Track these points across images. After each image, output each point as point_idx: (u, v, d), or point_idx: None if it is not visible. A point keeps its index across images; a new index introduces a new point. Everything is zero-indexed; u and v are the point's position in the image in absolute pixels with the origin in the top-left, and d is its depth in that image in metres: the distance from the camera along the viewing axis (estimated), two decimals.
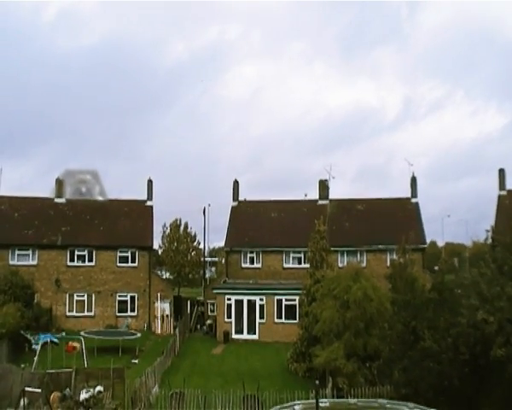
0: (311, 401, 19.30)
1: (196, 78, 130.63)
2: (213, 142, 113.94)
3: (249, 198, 46.92)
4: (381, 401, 19.81)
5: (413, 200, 43.26)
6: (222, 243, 45.18)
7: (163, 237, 54.48)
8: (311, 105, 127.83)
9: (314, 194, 44.91)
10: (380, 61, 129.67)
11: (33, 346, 30.60)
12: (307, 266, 31.40)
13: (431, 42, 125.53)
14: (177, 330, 35.63)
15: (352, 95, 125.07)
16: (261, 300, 37.59)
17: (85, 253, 41.40)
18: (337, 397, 21.00)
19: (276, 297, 37.36)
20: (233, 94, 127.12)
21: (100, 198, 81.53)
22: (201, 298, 46.00)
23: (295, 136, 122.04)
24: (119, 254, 41.68)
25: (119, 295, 41.36)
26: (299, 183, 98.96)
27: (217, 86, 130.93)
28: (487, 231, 23.84)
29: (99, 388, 21.05)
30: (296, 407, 19.61)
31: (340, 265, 37.13)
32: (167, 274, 55.85)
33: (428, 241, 42.74)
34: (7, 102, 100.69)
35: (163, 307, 41.08)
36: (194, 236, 54.57)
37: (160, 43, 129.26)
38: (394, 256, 29.44)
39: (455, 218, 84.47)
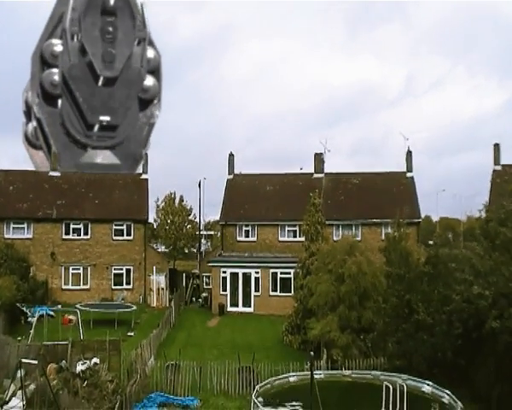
0: (305, 372, 19.56)
1: (202, 56, 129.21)
2: (215, 119, 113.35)
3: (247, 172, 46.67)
4: (374, 373, 20.10)
5: (408, 174, 43.25)
6: (217, 217, 45.16)
7: (157, 210, 54.42)
8: (315, 83, 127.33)
9: (311, 169, 44.76)
10: (383, 39, 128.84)
11: (29, 319, 30.60)
12: (302, 239, 31.42)
13: (434, 19, 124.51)
14: (172, 302, 35.67)
15: (355, 73, 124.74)
16: (256, 273, 37.73)
17: (80, 226, 41.33)
18: (331, 369, 21.23)
19: (271, 270, 37.50)
20: (237, 72, 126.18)
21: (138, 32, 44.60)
22: (197, 271, 46.13)
23: (297, 113, 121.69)
24: (114, 227, 41.63)
25: (115, 268, 41.42)
26: (299, 159, 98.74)
27: (221, 65, 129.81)
28: (480, 210, 23.97)
29: (95, 360, 21.12)
30: (291, 379, 19.89)
31: (335, 238, 37.26)
32: (162, 247, 55.89)
33: (424, 216, 42.88)
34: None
35: (158, 280, 41.16)
36: (190, 209, 54.54)
37: (167, 22, 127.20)
38: (389, 230, 29.50)
39: (451, 192, 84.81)
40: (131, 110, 48.78)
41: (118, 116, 46.09)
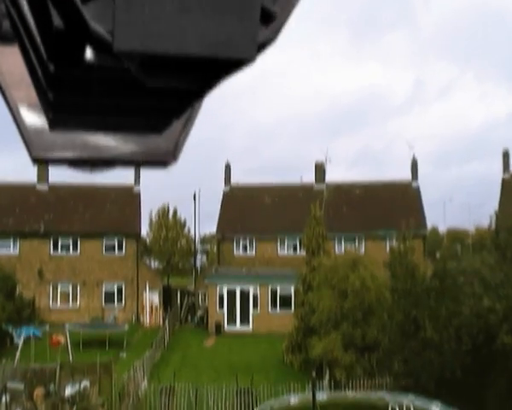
0: (307, 394, 18.98)
1: None
2: (213, 128, 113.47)
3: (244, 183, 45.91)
4: (380, 393, 19.57)
5: (414, 184, 42.64)
6: (214, 229, 44.40)
7: (150, 224, 53.74)
8: (318, 91, 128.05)
9: (312, 179, 44.11)
10: (390, 45, 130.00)
11: (15, 340, 30.23)
12: (303, 253, 31.12)
13: (443, 25, 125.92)
14: (166, 321, 35.30)
15: (360, 80, 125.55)
16: (255, 289, 37.08)
17: (69, 241, 40.57)
18: (334, 390, 20.89)
19: (271, 286, 36.88)
20: (236, 79, 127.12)
21: None
22: (192, 288, 45.44)
23: (299, 122, 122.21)
24: (105, 242, 40.87)
25: (106, 286, 40.60)
26: (299, 169, 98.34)
27: None
28: (490, 216, 23.79)
29: (85, 383, 21.18)
30: (292, 401, 19.20)
31: (337, 252, 36.53)
32: (156, 263, 55.19)
33: (430, 227, 42.29)
34: None
35: (152, 298, 40.56)
36: (184, 223, 53.86)
37: None
38: (394, 243, 29.09)
39: (458, 202, 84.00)
40: None
41: None
